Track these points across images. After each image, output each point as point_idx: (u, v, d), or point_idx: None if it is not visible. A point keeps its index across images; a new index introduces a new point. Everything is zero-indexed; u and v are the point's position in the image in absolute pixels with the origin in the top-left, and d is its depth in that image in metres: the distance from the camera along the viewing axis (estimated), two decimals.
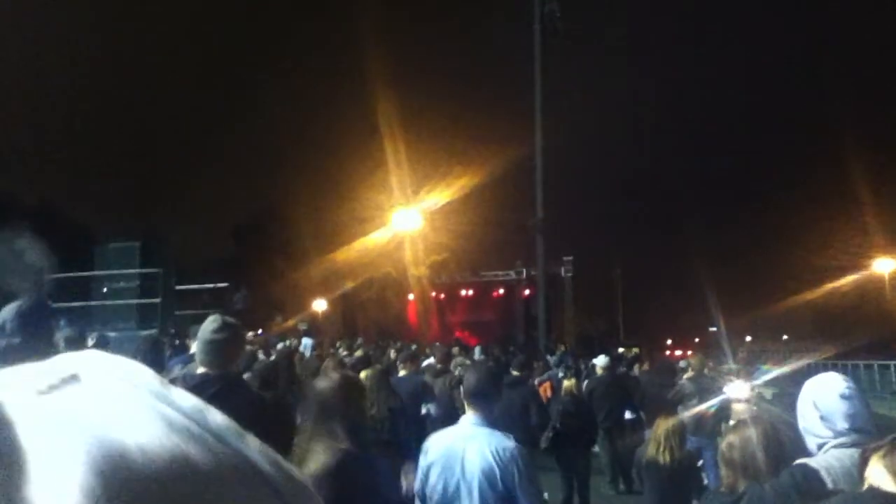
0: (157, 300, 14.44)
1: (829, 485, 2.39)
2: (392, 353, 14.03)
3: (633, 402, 10.32)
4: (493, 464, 3.44)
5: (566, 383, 9.13)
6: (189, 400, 0.43)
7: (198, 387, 3.19)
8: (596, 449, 10.05)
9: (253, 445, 0.43)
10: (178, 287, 16.66)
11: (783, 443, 2.87)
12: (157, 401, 0.42)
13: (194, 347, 3.90)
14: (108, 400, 0.41)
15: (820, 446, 2.61)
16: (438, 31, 64.86)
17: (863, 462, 1.81)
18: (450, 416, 8.48)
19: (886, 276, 35.72)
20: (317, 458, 3.09)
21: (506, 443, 3.53)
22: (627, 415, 10.29)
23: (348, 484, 2.95)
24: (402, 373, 8.65)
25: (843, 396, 2.64)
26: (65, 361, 0.43)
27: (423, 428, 7.99)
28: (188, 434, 0.40)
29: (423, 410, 8.03)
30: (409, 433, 7.06)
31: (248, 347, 8.53)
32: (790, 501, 2.40)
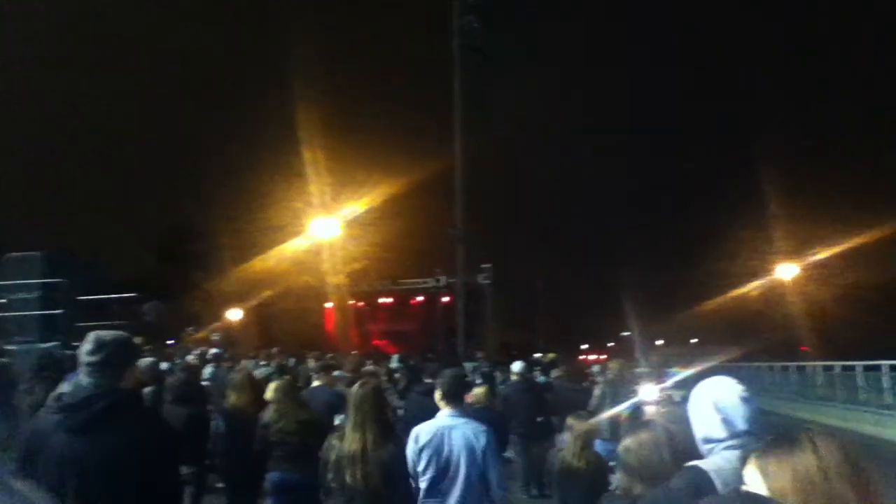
0: (59, 312, 13.84)
1: (719, 486, 2.44)
2: (311, 363, 13.80)
3: (546, 407, 10.43)
4: (473, 443, 4.66)
5: (476, 391, 9.06)
6: None
7: (85, 402, 3.05)
8: (509, 454, 10.11)
9: None
10: (84, 298, 16.01)
11: (680, 446, 2.91)
12: None
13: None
14: None
15: (710, 449, 2.66)
16: (358, 40, 64.57)
17: (744, 464, 1.84)
18: None
19: (789, 282, 37.35)
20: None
21: (479, 427, 4.78)
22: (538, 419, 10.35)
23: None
24: (315, 383, 8.51)
25: (743, 399, 2.71)
26: None
27: None
28: None
29: (337, 422, 7.89)
30: (319, 447, 6.92)
31: (150, 359, 8.25)
32: None
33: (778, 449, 1.75)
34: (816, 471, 1.66)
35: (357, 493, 4.43)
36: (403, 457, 4.66)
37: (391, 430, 4.79)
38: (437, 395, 4.98)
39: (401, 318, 34.77)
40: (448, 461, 4.63)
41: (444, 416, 4.84)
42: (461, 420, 4.81)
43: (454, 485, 4.62)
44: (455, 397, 4.95)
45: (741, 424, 2.65)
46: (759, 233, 37.57)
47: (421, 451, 4.67)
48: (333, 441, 4.67)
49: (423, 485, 4.67)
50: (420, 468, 4.66)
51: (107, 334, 3.27)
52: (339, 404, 7.96)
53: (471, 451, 4.63)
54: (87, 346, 3.18)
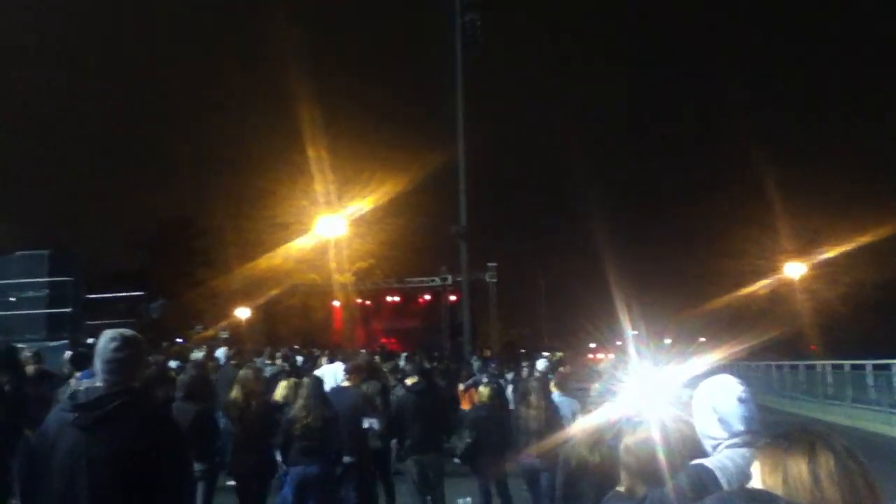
0: (68, 310, 13.89)
1: (724, 484, 2.46)
2: (323, 362, 13.83)
3: None
4: None
5: (482, 390, 9.04)
6: None
7: (98, 401, 3.09)
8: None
9: None
10: (91, 296, 16.09)
11: (680, 444, 2.93)
12: None
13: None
14: None
15: (714, 447, 2.68)
16: (361, 37, 64.67)
17: (750, 461, 1.87)
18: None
19: (796, 280, 37.24)
20: None
21: None
22: None
23: None
24: (344, 384, 8.41)
25: (740, 400, 2.72)
26: None
27: (364, 441, 7.91)
28: None
29: (366, 424, 7.94)
30: (340, 444, 7.00)
31: (158, 357, 8.30)
32: (688, 502, 2.46)
33: (775, 448, 1.76)
34: (807, 473, 1.67)
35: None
36: None
37: None
38: None
39: (407, 315, 34.78)
40: None
41: None
42: None
43: None
44: None
45: (738, 425, 2.67)
46: (766, 231, 37.48)
47: None
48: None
49: None
50: None
51: (128, 332, 3.30)
52: (363, 405, 8.01)
53: None
54: (112, 343, 3.20)
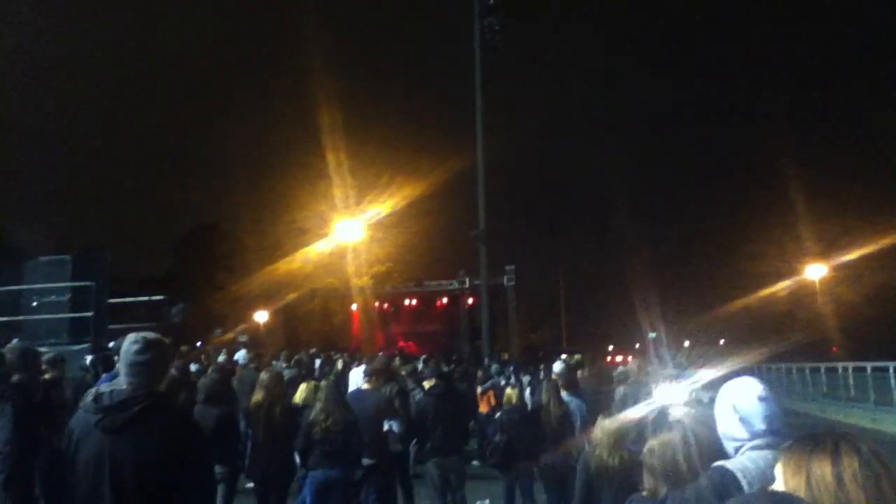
0: (90, 314, 14.00)
1: (745, 486, 2.45)
2: (339, 365, 13.86)
3: None
4: None
5: (508, 392, 9.03)
6: None
7: (122, 404, 3.12)
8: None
9: None
10: (113, 301, 16.21)
11: (703, 447, 2.92)
12: None
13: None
14: None
15: (737, 449, 2.67)
16: (381, 44, 64.89)
17: (772, 463, 1.86)
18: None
19: (817, 282, 36.90)
20: None
21: None
22: None
23: None
24: (365, 387, 8.40)
25: (760, 399, 2.71)
26: None
27: (385, 444, 7.92)
28: None
29: (385, 427, 7.95)
30: (360, 447, 7.02)
31: (179, 361, 8.35)
32: None
33: (799, 449, 1.75)
34: (831, 475, 1.65)
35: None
36: None
37: None
38: None
39: (425, 319, 34.82)
40: None
41: None
42: None
43: None
44: None
45: (759, 424, 2.66)
46: (787, 233, 37.23)
47: None
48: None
49: None
50: None
51: (151, 335, 3.34)
52: (386, 407, 8.02)
53: None
54: (135, 346, 3.23)
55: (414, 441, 9.29)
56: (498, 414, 9.06)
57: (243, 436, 7.67)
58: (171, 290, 24.94)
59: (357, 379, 9.42)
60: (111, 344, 9.31)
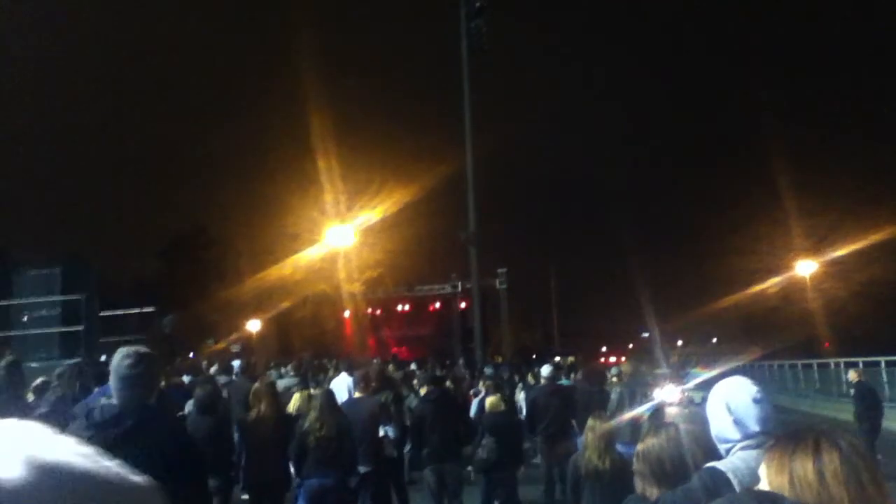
0: (80, 328, 13.93)
1: (737, 486, 2.46)
2: (331, 372, 13.82)
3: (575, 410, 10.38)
4: None
5: (490, 400, 8.96)
6: None
7: (115, 419, 3.11)
8: (538, 460, 10.13)
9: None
10: (103, 314, 16.14)
11: (693, 447, 2.93)
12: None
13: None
14: None
15: (728, 451, 2.68)
16: (369, 48, 64.89)
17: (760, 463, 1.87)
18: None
19: (808, 278, 37.03)
20: None
21: None
22: None
23: None
24: (357, 394, 8.41)
25: (755, 401, 2.72)
26: None
27: (380, 451, 7.93)
28: None
29: (381, 433, 7.95)
30: (354, 455, 7.02)
31: (171, 372, 8.34)
32: None
33: (781, 448, 1.76)
34: (813, 473, 1.66)
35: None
36: None
37: None
38: None
39: (418, 323, 34.81)
40: None
41: None
42: None
43: None
44: None
45: (753, 426, 2.67)
46: (777, 229, 37.32)
47: None
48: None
49: None
50: None
51: (141, 349, 3.34)
52: (380, 413, 8.04)
53: None
54: (127, 360, 3.23)
55: (408, 448, 9.29)
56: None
57: (237, 446, 7.66)
58: (161, 297, 24.84)
59: (340, 387, 9.42)
60: (103, 358, 9.26)
